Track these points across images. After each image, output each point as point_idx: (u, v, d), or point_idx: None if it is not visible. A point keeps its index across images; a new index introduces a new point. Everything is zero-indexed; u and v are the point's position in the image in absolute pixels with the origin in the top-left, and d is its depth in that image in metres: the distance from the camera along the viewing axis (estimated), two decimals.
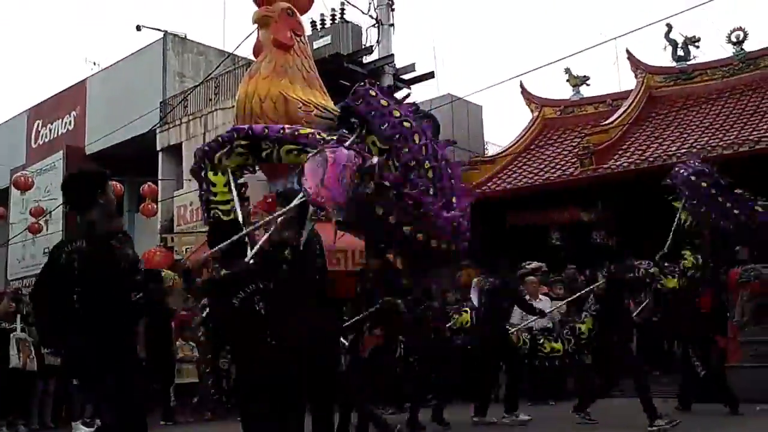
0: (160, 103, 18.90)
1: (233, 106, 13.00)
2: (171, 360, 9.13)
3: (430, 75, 17.88)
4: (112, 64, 21.52)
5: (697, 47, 17.32)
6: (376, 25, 16.64)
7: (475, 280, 11.27)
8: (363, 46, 16.80)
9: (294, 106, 11.63)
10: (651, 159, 13.77)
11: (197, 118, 17.59)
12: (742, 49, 16.52)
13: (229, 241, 4.38)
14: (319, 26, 16.80)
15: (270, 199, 11.93)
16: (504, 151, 17.80)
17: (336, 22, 16.62)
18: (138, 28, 19.11)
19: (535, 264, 10.65)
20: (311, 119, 11.71)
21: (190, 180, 16.80)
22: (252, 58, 13.46)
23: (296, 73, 12.09)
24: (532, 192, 15.06)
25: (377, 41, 16.77)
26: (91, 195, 3.79)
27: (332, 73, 15.49)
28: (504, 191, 15.44)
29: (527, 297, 9.26)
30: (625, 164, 14.05)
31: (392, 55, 16.85)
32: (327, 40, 16.32)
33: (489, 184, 16.07)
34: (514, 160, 17.16)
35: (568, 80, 18.95)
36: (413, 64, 17.52)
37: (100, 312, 3.55)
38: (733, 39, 16.63)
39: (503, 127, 41.94)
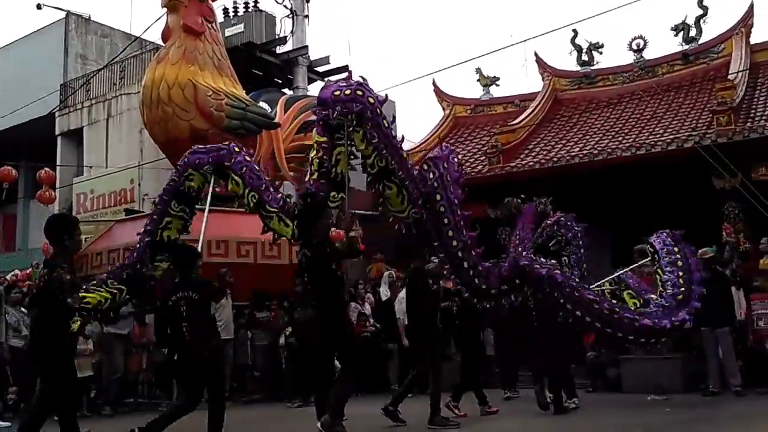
0: (61, 85, 18.03)
1: (139, 92, 12.56)
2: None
3: (344, 68, 17.84)
4: (9, 44, 20.36)
5: (601, 53, 18.05)
6: (291, 15, 16.47)
7: (386, 273, 11.41)
8: (276, 36, 16.58)
9: (203, 94, 11.36)
10: (555, 159, 14.22)
11: (100, 102, 16.90)
12: (641, 56, 17.33)
13: None
14: (231, 14, 16.46)
15: None
16: (416, 147, 17.98)
17: (249, 10, 16.33)
18: (38, 6, 18.15)
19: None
20: (221, 108, 11.48)
21: (90, 167, 16.16)
22: (160, 42, 13.04)
23: (206, 60, 11.80)
24: None
25: (291, 32, 16.59)
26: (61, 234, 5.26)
27: (244, 62, 15.22)
28: None
29: None
30: (531, 163, 14.47)
31: (306, 46, 16.71)
32: (239, 28, 16.01)
33: None
34: (424, 156, 17.35)
35: (479, 80, 19.33)
36: (327, 57, 17.46)
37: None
38: (634, 47, 17.42)
39: (416, 123, 42.38)
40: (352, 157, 6.12)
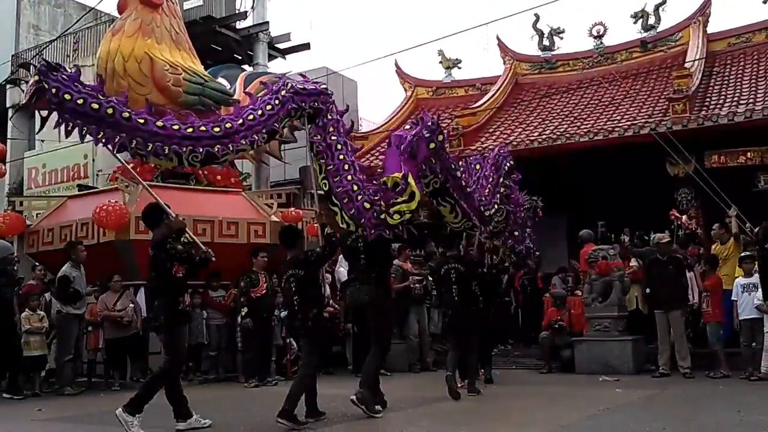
0: (12, 56, 17.47)
1: (94, 65, 12.23)
2: (14, 331, 8.51)
3: (306, 46, 17.67)
4: None
5: (562, 38, 18.18)
6: None
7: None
8: (237, 11, 16.29)
9: (160, 68, 11.10)
10: (515, 143, 14.31)
11: None
12: (601, 42, 17.51)
13: None
14: None
15: (132, 165, 11.39)
16: (378, 128, 17.93)
17: None
18: None
19: None
20: (178, 82, 11.25)
21: (42, 141, 15.71)
22: (116, 14, 12.68)
23: (164, 33, 11.53)
24: None
25: (252, 7, 16.33)
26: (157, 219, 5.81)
27: (203, 36, 14.94)
28: (376, 167, 15.55)
29: None
30: (491, 146, 14.52)
31: (267, 22, 16.47)
32: (198, 1, 15.69)
33: (362, 161, 16.12)
34: (387, 137, 17.29)
35: (441, 62, 19.32)
36: (288, 34, 17.25)
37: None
38: (594, 33, 17.58)
39: (377, 104, 42.19)
40: None
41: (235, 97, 12.40)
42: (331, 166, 6.30)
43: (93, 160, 14.70)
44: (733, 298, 8.51)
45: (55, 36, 16.91)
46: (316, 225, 7.34)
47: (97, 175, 14.45)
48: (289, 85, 6.21)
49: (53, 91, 5.12)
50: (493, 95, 17.03)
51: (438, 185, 7.13)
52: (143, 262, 9.59)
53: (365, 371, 6.32)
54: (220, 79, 12.69)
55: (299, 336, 6.27)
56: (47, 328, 8.86)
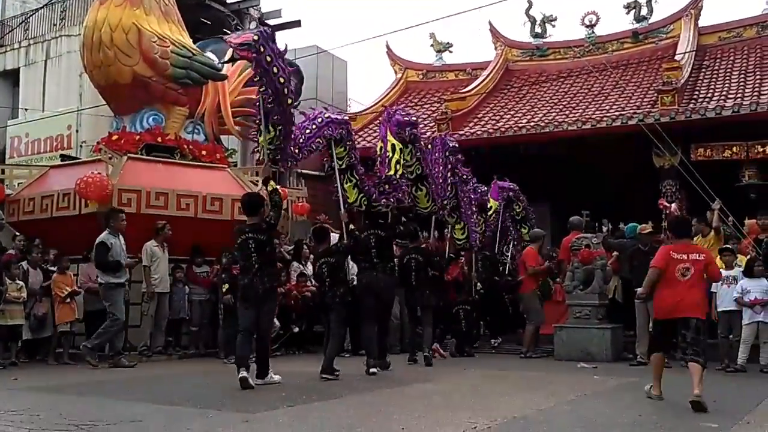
0: None
1: (80, 34, 12.04)
2: None
3: (297, 23, 17.52)
4: None
5: (554, 26, 18.17)
6: None
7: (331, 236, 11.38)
8: None
9: (148, 39, 10.95)
10: (503, 129, 14.32)
11: (39, 43, 16.17)
12: (593, 32, 17.50)
13: None
14: None
15: (116, 137, 11.27)
16: (366, 110, 17.86)
17: None
18: None
19: None
20: (166, 55, 11.11)
21: (26, 109, 15.51)
22: None
23: (153, 4, 11.35)
24: None
25: None
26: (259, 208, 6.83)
27: (192, 9, 14.75)
28: (363, 150, 15.48)
29: None
30: (479, 132, 14.53)
31: None
32: None
33: None
34: (375, 118, 17.24)
35: (432, 45, 19.24)
36: (279, 10, 17.13)
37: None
38: (586, 22, 17.57)
39: (367, 85, 41.93)
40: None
41: (223, 72, 12.27)
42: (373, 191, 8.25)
43: (77, 131, 14.53)
44: (712, 290, 8.57)
45: (42, 4, 16.61)
46: (302, 204, 8.14)
47: (81, 146, 14.29)
48: (326, 113, 8.03)
49: (267, 59, 6.79)
50: (484, 80, 17.01)
51: (420, 171, 8.95)
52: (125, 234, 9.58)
53: (369, 343, 7.79)
54: (209, 54, 12.52)
55: (329, 309, 7.47)
56: (25, 299, 8.75)
